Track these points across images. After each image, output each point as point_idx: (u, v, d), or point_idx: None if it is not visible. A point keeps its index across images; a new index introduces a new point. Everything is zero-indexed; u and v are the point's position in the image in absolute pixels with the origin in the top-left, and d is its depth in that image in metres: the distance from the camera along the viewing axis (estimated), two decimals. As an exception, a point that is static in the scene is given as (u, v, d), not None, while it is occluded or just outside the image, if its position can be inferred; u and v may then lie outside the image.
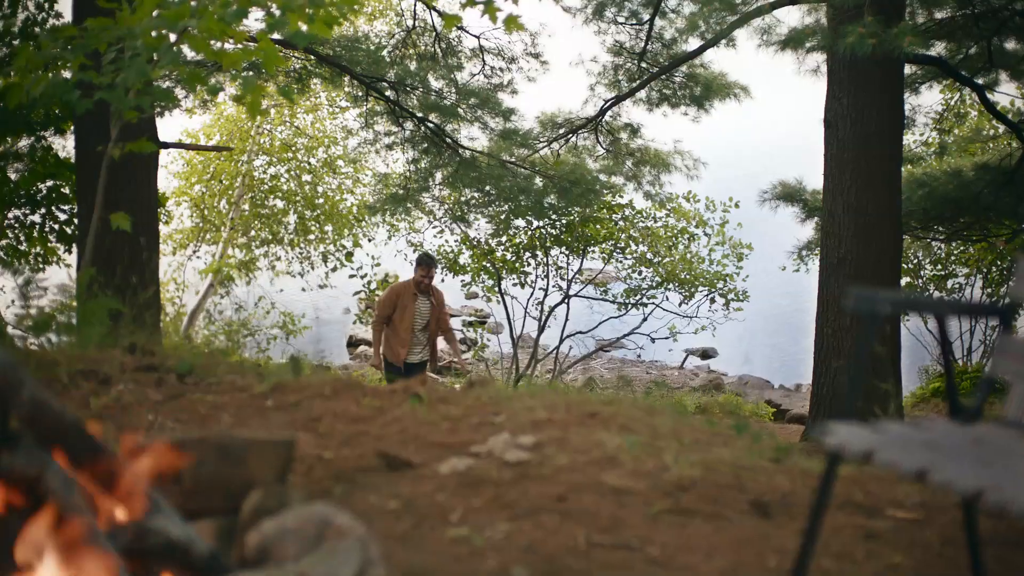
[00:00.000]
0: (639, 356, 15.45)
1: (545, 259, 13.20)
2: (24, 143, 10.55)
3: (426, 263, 8.26)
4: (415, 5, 12.03)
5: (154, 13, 3.87)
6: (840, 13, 7.52)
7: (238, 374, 3.11)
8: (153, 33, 3.89)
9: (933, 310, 1.87)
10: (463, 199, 12.53)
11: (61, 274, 8.49)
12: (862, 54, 6.73)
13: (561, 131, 12.00)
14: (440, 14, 11.48)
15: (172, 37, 4.02)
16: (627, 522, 2.20)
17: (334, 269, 15.89)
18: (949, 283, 14.22)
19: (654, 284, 13.38)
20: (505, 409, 2.82)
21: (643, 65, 11.57)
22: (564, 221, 12.71)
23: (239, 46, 4.19)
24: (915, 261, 13.94)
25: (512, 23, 4.07)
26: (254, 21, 5.28)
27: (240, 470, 1.90)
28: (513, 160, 11.69)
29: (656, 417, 2.92)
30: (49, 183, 10.51)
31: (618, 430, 2.72)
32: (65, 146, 10.69)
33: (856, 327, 8.90)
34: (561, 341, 13.39)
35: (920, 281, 14.08)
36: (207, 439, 1.89)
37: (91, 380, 2.91)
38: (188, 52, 7.39)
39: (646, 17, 11.38)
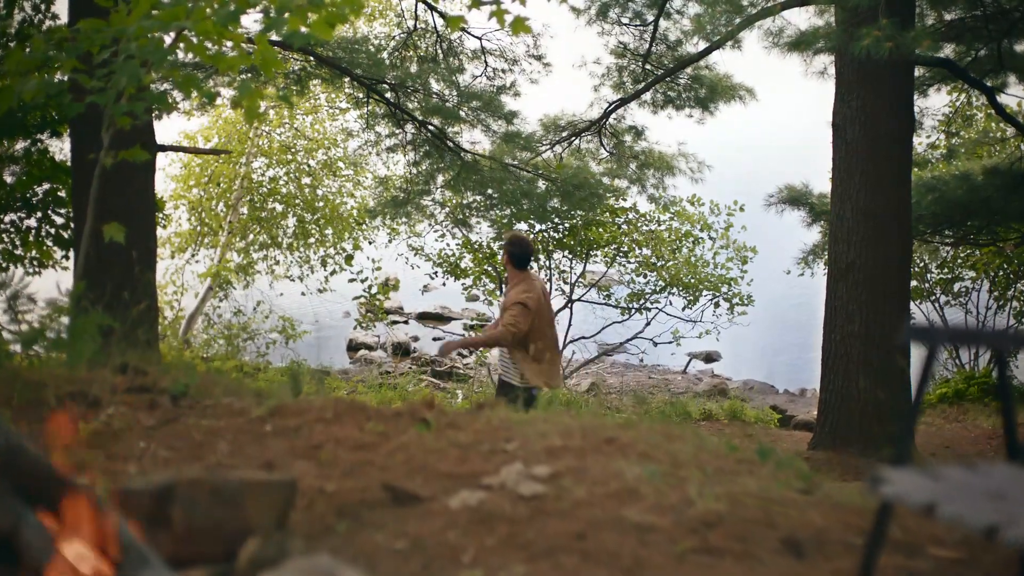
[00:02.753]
0: (642, 361, 15.29)
1: (548, 263, 13.05)
2: (20, 146, 10.40)
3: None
4: (416, 6, 11.89)
5: (153, 13, 3.73)
6: (853, 15, 7.37)
7: (235, 395, 2.96)
8: (150, 35, 3.74)
9: (993, 344, 1.73)
10: (465, 202, 12.38)
11: (51, 284, 8.32)
12: (879, 57, 6.59)
13: (564, 134, 11.86)
14: (443, 16, 11.30)
15: (168, 39, 3.87)
16: (651, 562, 2.05)
17: (333, 273, 15.73)
18: (956, 287, 14.08)
19: (658, 288, 13.23)
20: (517, 435, 2.67)
21: (647, 67, 11.42)
22: (567, 225, 12.56)
23: (235, 51, 4.03)
24: (921, 264, 13.79)
25: (519, 26, 3.92)
26: (252, 22, 5.14)
27: (236, 514, 1.75)
28: (516, 163, 11.54)
29: (675, 443, 2.77)
30: (45, 186, 10.35)
31: (637, 458, 2.57)
32: (63, 148, 10.53)
33: (866, 334, 8.75)
34: (564, 346, 13.22)
35: (926, 285, 13.94)
36: (200, 481, 1.74)
37: (80, 403, 2.76)
38: (185, 54, 7.24)
39: (650, 18, 11.24)
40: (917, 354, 10.20)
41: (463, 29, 11.24)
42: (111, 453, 2.48)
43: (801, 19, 10.84)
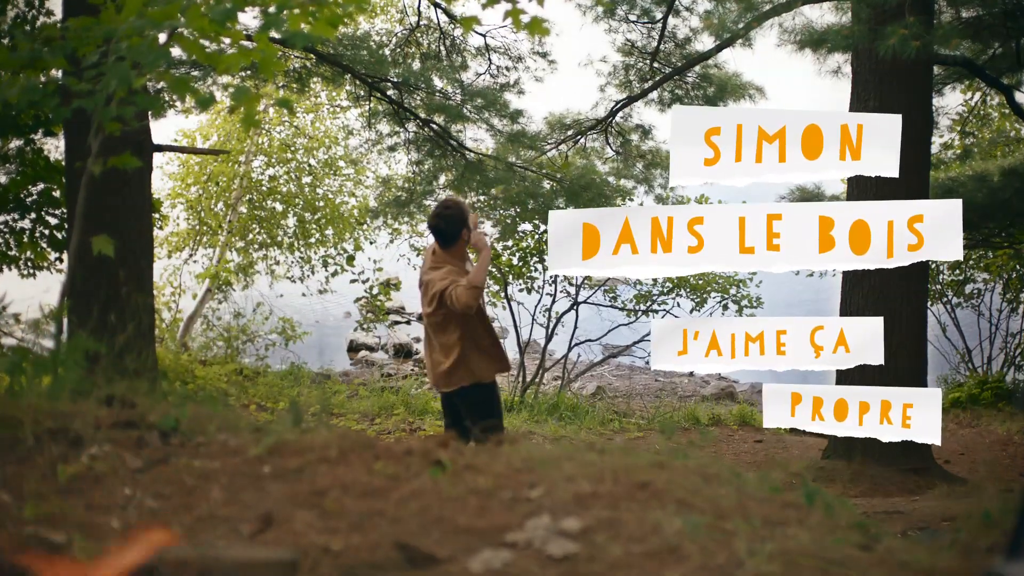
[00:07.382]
0: (647, 363, 15.04)
1: (553, 264, 12.78)
2: (14, 145, 10.15)
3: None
4: (419, 2, 11.65)
5: (151, 9, 3.48)
6: (878, 13, 7.12)
7: (231, 432, 2.70)
8: (144, 34, 3.50)
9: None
10: (468, 203, 12.13)
11: (47, 286, 8.08)
12: (906, 56, 6.34)
13: (569, 133, 11.60)
14: (449, 15, 11.08)
15: (162, 38, 3.62)
16: (701, 639, 1.81)
17: (335, 274, 15.47)
18: (967, 288, 13.84)
19: (665, 290, 12.99)
20: (542, 479, 2.42)
21: (655, 65, 11.16)
22: (572, 225, 12.29)
23: (233, 49, 3.78)
24: (933, 266, 13.55)
25: (537, 27, 3.67)
26: (251, 19, 4.89)
27: (228, 600, 1.51)
28: (520, 163, 11.28)
29: (714, 485, 2.52)
30: (40, 186, 10.11)
31: (675, 506, 2.33)
32: (58, 146, 10.29)
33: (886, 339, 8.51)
34: (570, 349, 13.00)
35: (937, 287, 13.69)
36: (187, 561, 1.50)
37: (61, 441, 2.51)
38: (182, 54, 6.98)
39: (659, 15, 10.98)
40: (932, 359, 9.97)
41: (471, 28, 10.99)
42: (91, 502, 2.23)
43: (814, 15, 10.58)
